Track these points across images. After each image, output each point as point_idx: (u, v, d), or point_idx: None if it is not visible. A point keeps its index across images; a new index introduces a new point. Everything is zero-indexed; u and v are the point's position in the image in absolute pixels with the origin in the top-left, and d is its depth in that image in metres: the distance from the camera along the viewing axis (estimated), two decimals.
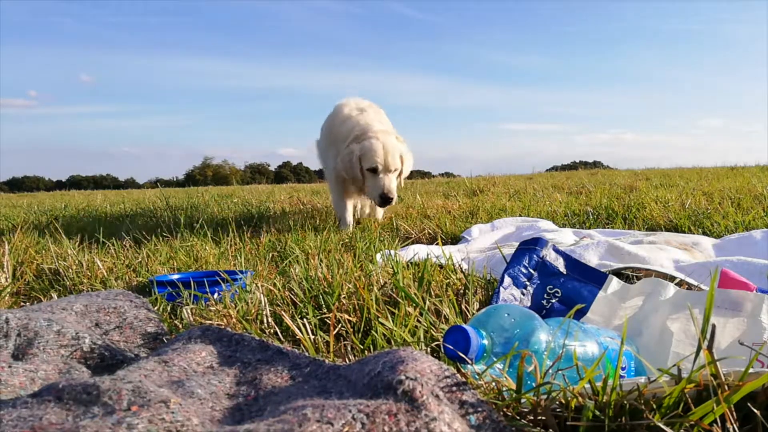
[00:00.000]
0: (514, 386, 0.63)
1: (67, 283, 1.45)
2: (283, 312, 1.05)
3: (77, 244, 1.96)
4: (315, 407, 0.53)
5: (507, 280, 1.18)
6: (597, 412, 0.58)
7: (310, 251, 1.76)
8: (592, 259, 1.55)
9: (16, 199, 8.03)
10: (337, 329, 1.01)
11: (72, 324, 0.91)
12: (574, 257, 1.25)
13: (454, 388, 0.60)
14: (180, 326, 1.09)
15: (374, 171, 2.58)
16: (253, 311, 1.09)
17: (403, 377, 0.58)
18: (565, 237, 2.07)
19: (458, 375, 0.63)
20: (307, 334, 0.96)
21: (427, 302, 1.10)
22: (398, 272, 1.26)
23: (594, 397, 0.59)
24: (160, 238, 2.19)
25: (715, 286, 0.65)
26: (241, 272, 1.42)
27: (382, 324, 0.97)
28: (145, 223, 3.03)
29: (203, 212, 3.58)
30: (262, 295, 1.12)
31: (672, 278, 1.26)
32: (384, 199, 2.57)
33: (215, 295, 1.22)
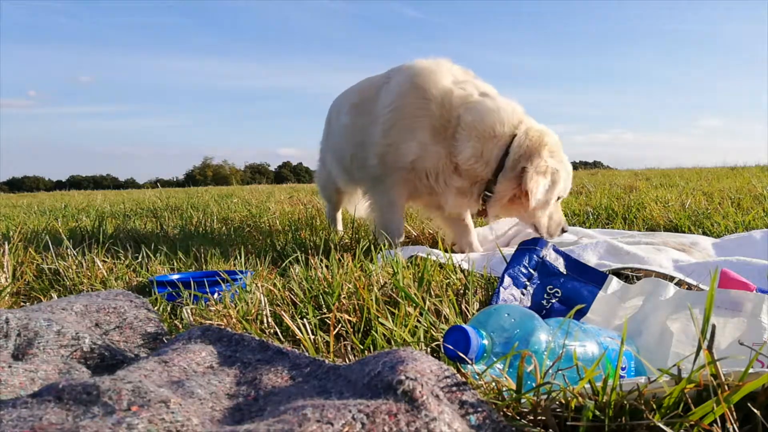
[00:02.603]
0: (514, 386, 0.63)
1: (67, 283, 1.45)
2: (283, 312, 1.05)
3: (77, 243, 1.96)
4: (315, 407, 0.53)
5: (507, 280, 1.18)
6: (597, 412, 0.58)
7: (309, 251, 1.76)
8: (592, 259, 1.55)
9: (16, 200, 8.03)
10: (337, 329, 1.01)
11: (72, 324, 0.91)
12: (573, 257, 1.25)
13: (454, 388, 0.60)
14: (180, 326, 1.09)
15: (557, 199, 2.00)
16: (253, 311, 1.09)
17: (403, 377, 0.58)
18: (565, 237, 2.07)
19: (458, 375, 0.63)
20: (307, 334, 0.96)
21: (427, 302, 1.10)
22: (398, 272, 1.26)
23: (594, 397, 0.59)
24: (160, 238, 2.19)
25: (715, 286, 0.65)
26: (241, 272, 1.42)
27: (382, 324, 0.97)
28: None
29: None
30: (262, 295, 1.12)
31: (672, 278, 1.26)
32: (563, 231, 2.06)
33: (215, 295, 1.22)
